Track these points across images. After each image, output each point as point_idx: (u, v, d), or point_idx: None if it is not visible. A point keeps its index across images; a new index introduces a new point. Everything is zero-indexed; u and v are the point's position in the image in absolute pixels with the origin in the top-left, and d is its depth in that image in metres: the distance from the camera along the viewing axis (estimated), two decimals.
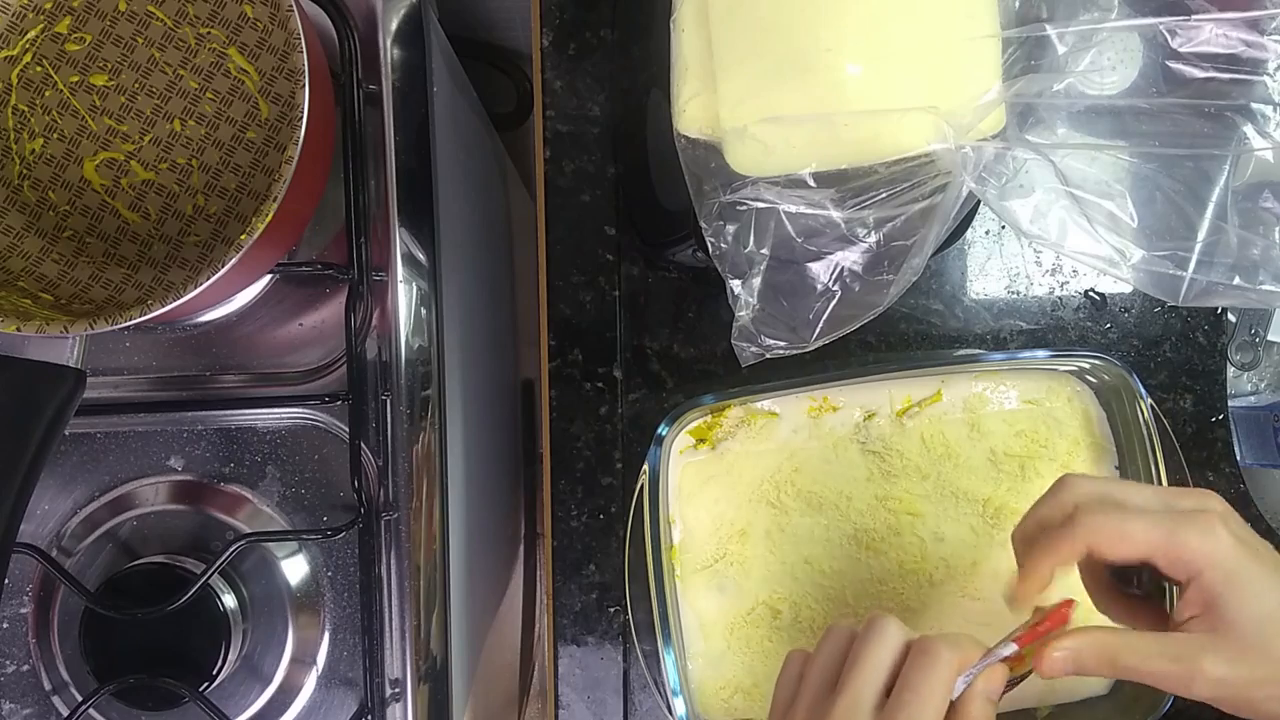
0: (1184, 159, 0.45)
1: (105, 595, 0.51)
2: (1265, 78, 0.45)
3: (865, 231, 0.46)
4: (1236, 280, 0.45)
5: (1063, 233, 0.45)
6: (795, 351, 0.48)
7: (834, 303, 0.48)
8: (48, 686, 0.55)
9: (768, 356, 0.48)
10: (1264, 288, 0.45)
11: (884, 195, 0.45)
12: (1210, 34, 0.44)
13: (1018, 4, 0.44)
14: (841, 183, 0.45)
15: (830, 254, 0.48)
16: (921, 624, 0.55)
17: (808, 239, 0.46)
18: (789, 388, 0.54)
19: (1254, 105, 0.45)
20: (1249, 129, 0.45)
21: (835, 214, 0.46)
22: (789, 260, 0.47)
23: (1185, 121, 0.46)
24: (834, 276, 0.48)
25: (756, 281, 0.47)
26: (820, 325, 0.48)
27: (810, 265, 0.48)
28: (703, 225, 0.47)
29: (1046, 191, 0.44)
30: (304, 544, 0.56)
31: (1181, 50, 0.45)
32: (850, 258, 0.48)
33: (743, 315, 0.48)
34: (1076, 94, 0.44)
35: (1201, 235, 0.45)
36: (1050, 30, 0.43)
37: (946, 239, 0.46)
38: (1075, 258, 0.45)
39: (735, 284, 0.47)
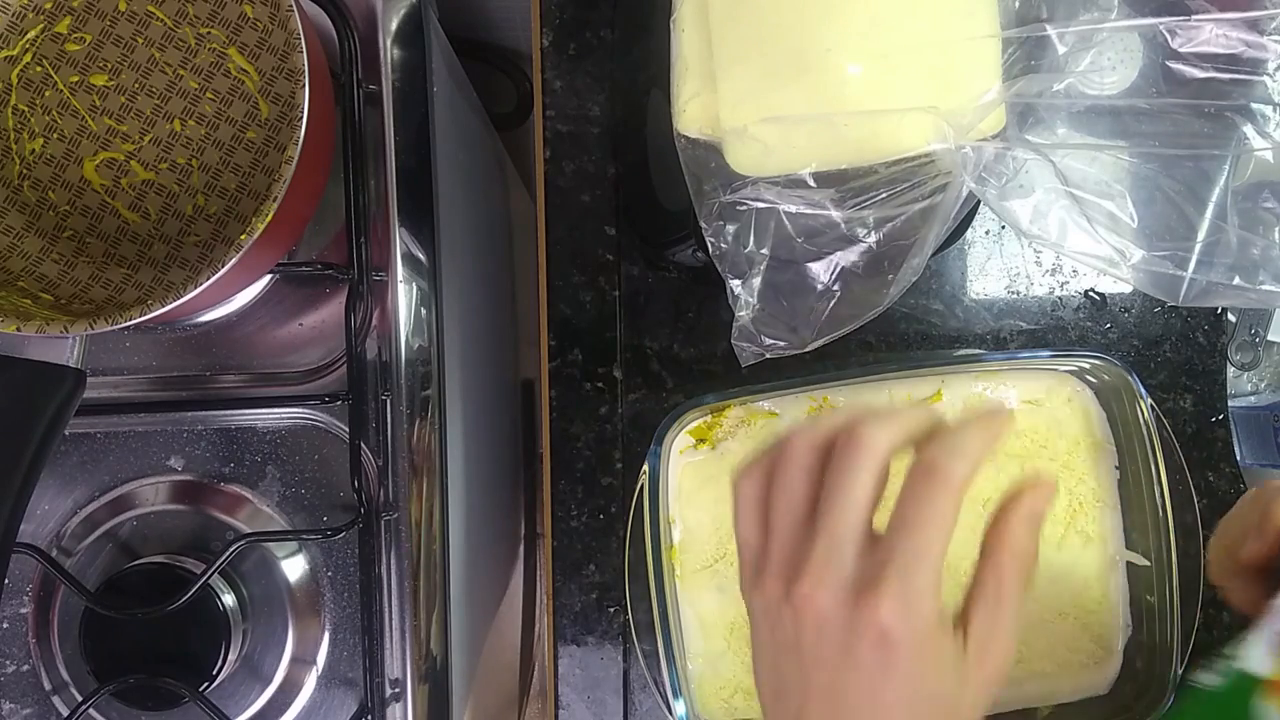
0: (1183, 159, 0.45)
1: (105, 595, 0.51)
2: (1265, 78, 0.45)
3: (865, 231, 0.46)
4: (1236, 280, 0.45)
5: (1063, 233, 0.45)
6: (795, 352, 0.48)
7: (834, 303, 0.48)
8: (48, 686, 0.55)
9: (768, 356, 0.48)
10: (1264, 288, 0.45)
11: (884, 195, 0.45)
12: (1210, 34, 0.44)
13: (1017, 4, 0.44)
14: (841, 183, 0.45)
15: (830, 254, 0.48)
16: None
17: (808, 239, 0.46)
18: (789, 388, 0.54)
19: (1254, 105, 0.45)
20: (1249, 129, 0.45)
21: (835, 214, 0.46)
22: (789, 260, 0.47)
23: (1185, 122, 0.45)
24: (834, 276, 0.48)
25: (756, 281, 0.47)
26: (820, 325, 0.48)
27: (810, 265, 0.48)
28: (703, 225, 0.47)
29: (1046, 192, 0.44)
30: (304, 544, 0.56)
31: (1181, 50, 0.44)
32: (850, 258, 0.48)
33: (743, 315, 0.48)
34: (1076, 94, 0.44)
35: (1201, 235, 0.45)
36: (1050, 30, 0.43)
37: (946, 239, 0.46)
38: (1075, 258, 0.45)
39: (735, 284, 0.47)
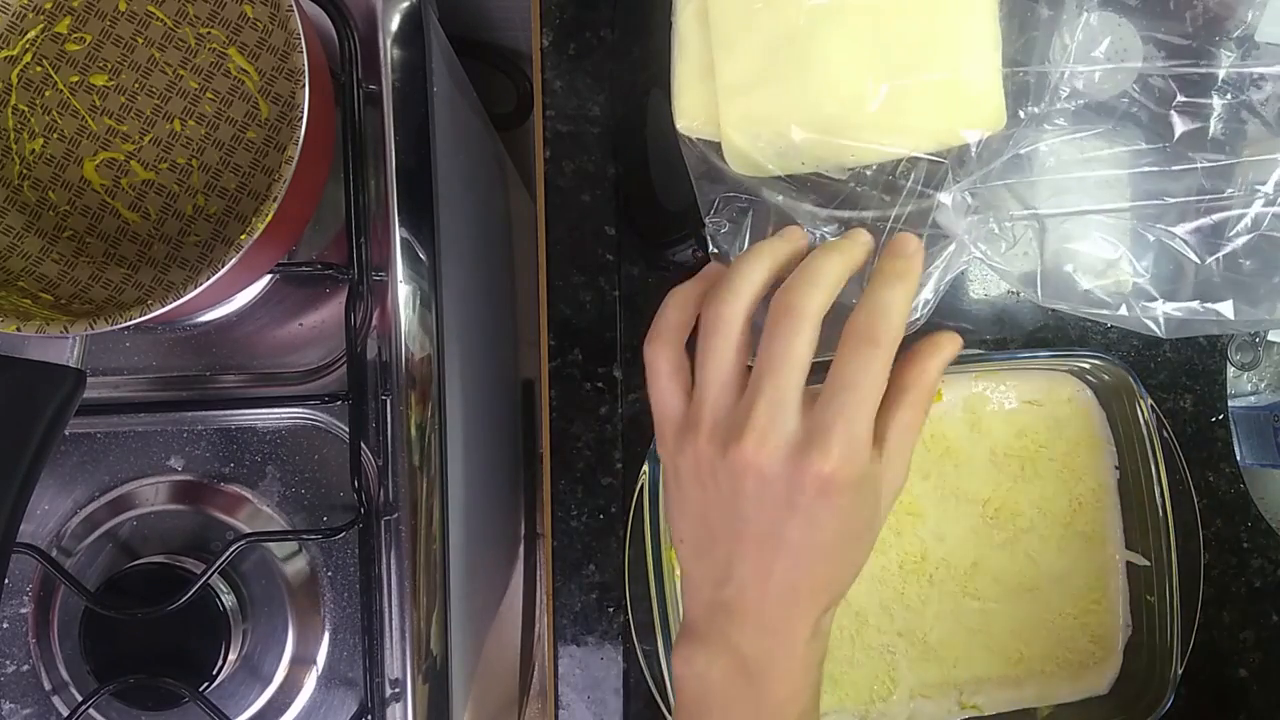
0: (1170, 209, 0.46)
1: (105, 595, 0.51)
2: (1255, 120, 0.46)
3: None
4: (1220, 315, 0.47)
5: (1058, 286, 0.46)
6: None
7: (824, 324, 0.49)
8: (48, 686, 0.55)
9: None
10: (1243, 318, 0.46)
11: (885, 196, 0.45)
12: (1210, 80, 0.45)
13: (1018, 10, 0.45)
14: (841, 184, 0.45)
15: None
16: (921, 624, 0.55)
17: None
18: None
19: (1247, 155, 0.46)
20: (1243, 176, 0.46)
21: (835, 214, 0.46)
22: None
23: (1178, 174, 0.46)
24: None
25: None
26: None
27: None
28: (707, 225, 0.47)
29: (1043, 248, 0.46)
30: (304, 544, 0.56)
31: (1181, 98, 0.46)
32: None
33: None
34: (1076, 98, 0.45)
35: (1190, 275, 0.47)
36: (1050, 68, 0.44)
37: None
38: (1075, 311, 0.47)
39: None
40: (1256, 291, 0.46)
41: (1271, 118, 0.46)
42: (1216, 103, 0.45)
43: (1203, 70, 0.45)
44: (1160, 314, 0.47)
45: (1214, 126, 0.46)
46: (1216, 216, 0.46)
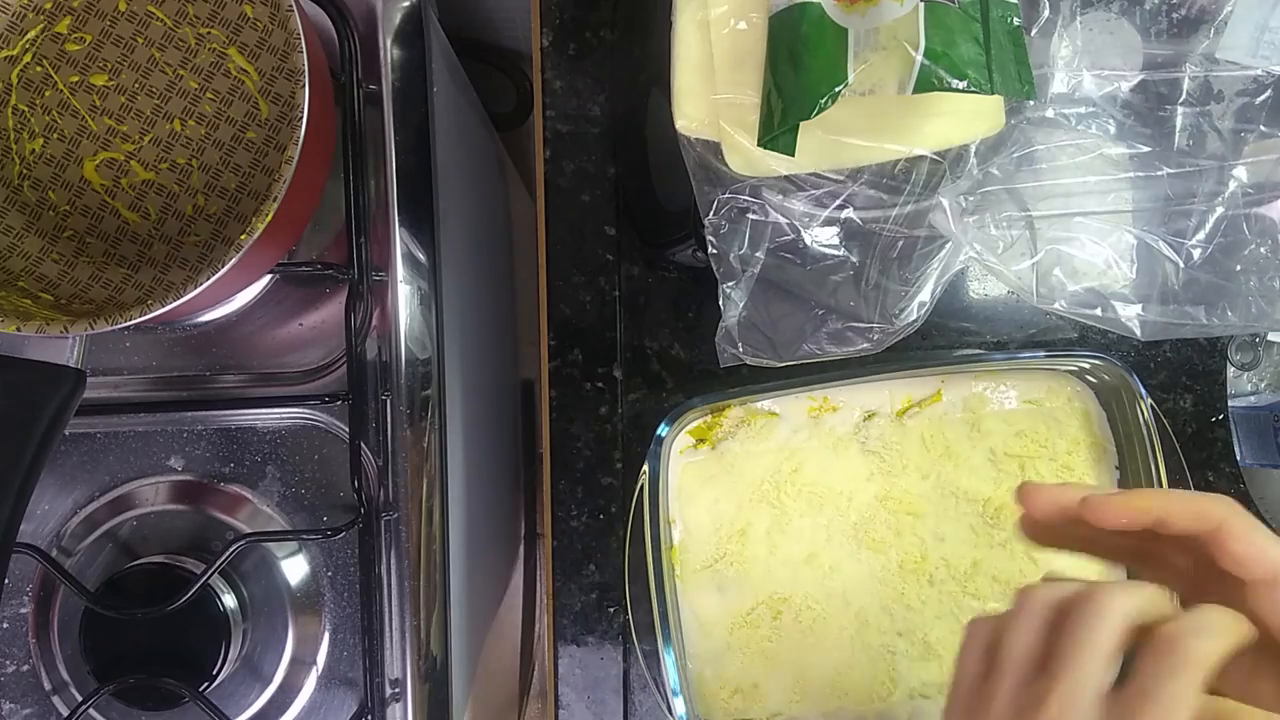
0: (1152, 213, 0.47)
1: (105, 595, 0.51)
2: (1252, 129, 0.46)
3: (863, 256, 0.47)
4: (1194, 319, 0.47)
5: (1050, 287, 0.47)
6: (773, 364, 0.49)
7: (820, 329, 0.49)
8: (48, 686, 0.55)
9: (746, 363, 0.49)
10: (1218, 321, 0.47)
11: (884, 196, 0.45)
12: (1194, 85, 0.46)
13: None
14: (841, 184, 0.45)
15: (827, 276, 0.48)
16: (921, 624, 0.55)
17: (806, 259, 0.47)
18: (789, 388, 0.54)
19: (1234, 163, 0.47)
20: (1219, 182, 0.47)
21: (833, 214, 0.46)
22: (789, 258, 0.48)
23: (1162, 179, 0.47)
24: (825, 299, 0.49)
25: (749, 286, 0.47)
26: (800, 350, 0.49)
27: (804, 281, 0.48)
28: (705, 225, 0.47)
29: (1036, 250, 0.46)
30: (304, 544, 0.56)
31: (1168, 105, 0.46)
32: (845, 288, 0.48)
33: (730, 318, 0.48)
34: (1071, 102, 0.45)
35: (1172, 280, 0.47)
36: (1047, 70, 0.45)
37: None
38: (1069, 314, 0.47)
39: (727, 285, 0.48)
40: (1231, 296, 0.46)
41: (1262, 123, 0.46)
42: (1199, 112, 0.46)
43: (1180, 79, 0.46)
44: (1137, 317, 0.47)
45: (1203, 133, 0.46)
46: (1194, 221, 0.46)
